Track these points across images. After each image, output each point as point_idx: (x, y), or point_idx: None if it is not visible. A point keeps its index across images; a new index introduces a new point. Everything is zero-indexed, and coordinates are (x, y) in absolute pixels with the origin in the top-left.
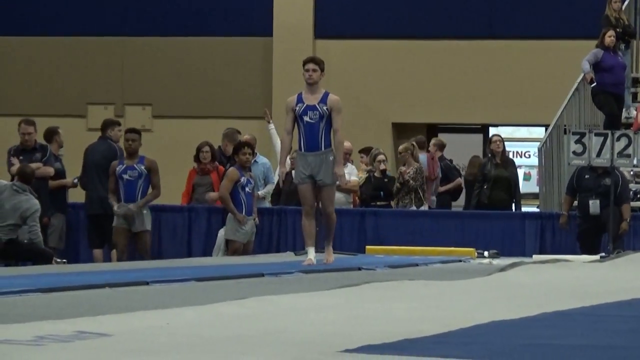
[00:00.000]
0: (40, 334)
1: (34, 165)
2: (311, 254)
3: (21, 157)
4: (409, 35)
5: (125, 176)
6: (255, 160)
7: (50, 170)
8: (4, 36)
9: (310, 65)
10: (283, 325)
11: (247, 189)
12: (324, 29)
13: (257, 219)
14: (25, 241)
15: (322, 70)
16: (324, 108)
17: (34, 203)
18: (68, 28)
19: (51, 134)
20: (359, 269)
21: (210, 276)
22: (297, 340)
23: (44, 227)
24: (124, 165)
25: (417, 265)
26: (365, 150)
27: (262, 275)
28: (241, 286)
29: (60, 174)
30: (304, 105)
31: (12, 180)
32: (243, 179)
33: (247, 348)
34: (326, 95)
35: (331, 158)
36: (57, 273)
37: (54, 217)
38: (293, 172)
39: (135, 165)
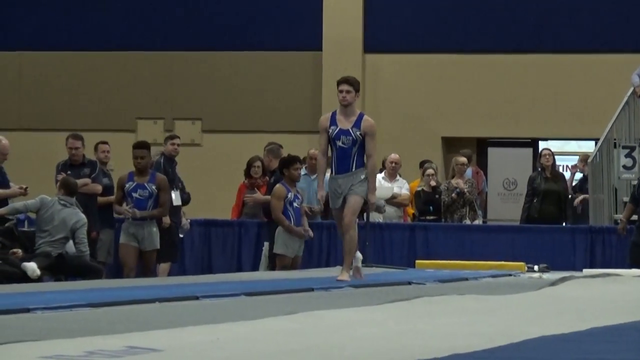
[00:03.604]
0: (90, 349)
1: (82, 181)
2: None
3: (69, 172)
4: (458, 50)
5: (135, 195)
6: (315, 177)
7: (99, 189)
8: (52, 51)
9: (345, 87)
10: (333, 341)
11: (294, 204)
12: (373, 43)
13: (311, 232)
14: (74, 254)
15: (357, 90)
16: (358, 133)
17: (82, 216)
18: (118, 43)
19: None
20: (409, 283)
21: (260, 291)
22: (346, 356)
23: (92, 242)
24: (134, 183)
25: (466, 279)
26: (424, 163)
27: (312, 289)
28: (291, 301)
29: (108, 189)
30: (337, 129)
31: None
32: (290, 195)
33: None
34: (360, 118)
35: (362, 176)
36: (107, 288)
37: (102, 232)
38: None
39: (146, 185)
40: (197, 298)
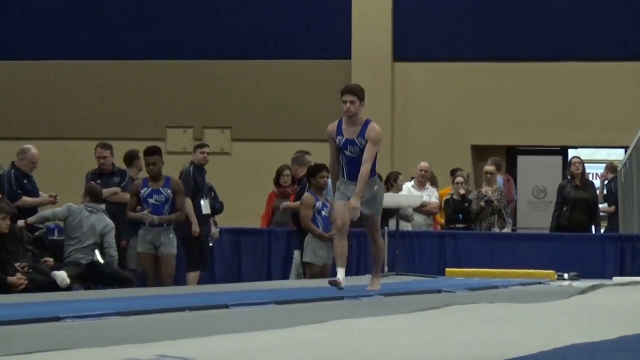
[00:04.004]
0: (121, 358)
1: (111, 190)
2: (341, 275)
3: (99, 182)
4: (488, 58)
5: (151, 200)
6: None
7: (128, 197)
8: (82, 60)
9: (349, 97)
10: (363, 350)
11: (323, 213)
12: (402, 51)
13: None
14: (104, 261)
15: (362, 99)
16: (363, 143)
17: (109, 222)
18: (148, 52)
19: (132, 158)
20: (439, 291)
21: (290, 299)
22: None
23: (122, 250)
24: (149, 189)
25: (497, 287)
26: (455, 171)
27: (342, 298)
28: (321, 309)
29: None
30: (344, 139)
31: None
32: (319, 204)
33: None
34: (366, 126)
35: (375, 188)
36: (137, 296)
37: (132, 240)
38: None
39: (161, 190)
40: (227, 307)
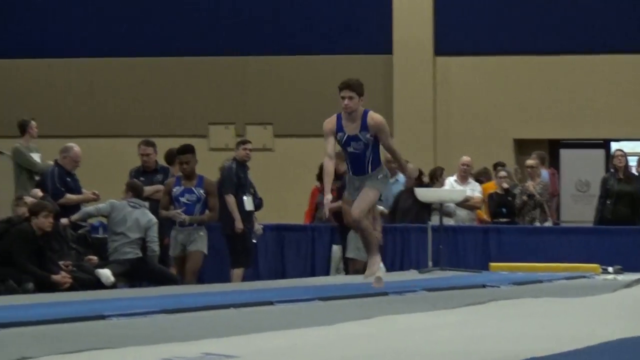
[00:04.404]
0: (166, 356)
1: (153, 187)
2: (376, 269)
3: (142, 179)
4: (529, 51)
5: (183, 199)
6: (396, 179)
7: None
8: (124, 57)
9: (346, 93)
10: (408, 345)
11: None
12: (443, 45)
13: (380, 238)
14: (145, 255)
15: (361, 94)
16: (367, 136)
17: (152, 217)
18: (189, 49)
19: (173, 156)
20: (483, 286)
21: (335, 295)
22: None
23: (165, 247)
24: (182, 188)
25: (541, 281)
26: (497, 165)
27: (386, 294)
28: (365, 305)
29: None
30: (345, 136)
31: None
32: None
33: None
34: (365, 117)
35: (380, 175)
36: (182, 294)
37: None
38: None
39: (193, 189)
40: (272, 303)
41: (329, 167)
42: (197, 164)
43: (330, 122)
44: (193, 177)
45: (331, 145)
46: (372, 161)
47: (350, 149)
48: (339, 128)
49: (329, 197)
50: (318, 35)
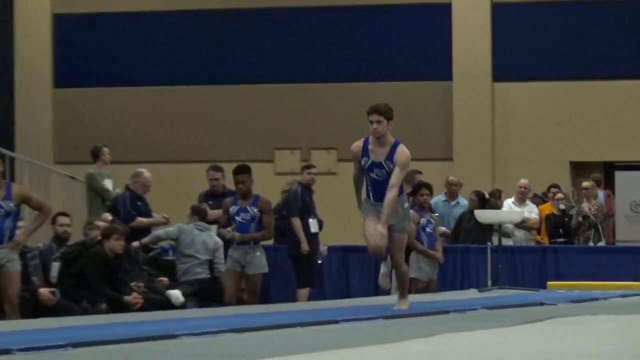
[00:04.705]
0: None
1: (217, 212)
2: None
3: (211, 202)
4: (583, 77)
5: (238, 218)
6: (457, 202)
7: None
8: (193, 85)
9: (374, 117)
10: None
11: (427, 229)
12: (501, 72)
13: (441, 258)
14: (212, 276)
15: (389, 118)
16: (391, 166)
17: (218, 239)
18: (256, 76)
19: None
20: (541, 304)
21: (398, 314)
22: None
23: None
24: (237, 207)
25: (597, 299)
26: (552, 187)
27: (448, 312)
28: (428, 323)
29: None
30: (370, 161)
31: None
32: (423, 220)
33: None
34: (394, 148)
35: (406, 205)
36: (249, 313)
37: None
38: None
39: (248, 208)
40: (337, 322)
41: (359, 183)
42: (253, 184)
43: (357, 147)
44: (249, 197)
45: (357, 170)
46: None
47: (372, 175)
48: (365, 152)
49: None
50: (381, 64)
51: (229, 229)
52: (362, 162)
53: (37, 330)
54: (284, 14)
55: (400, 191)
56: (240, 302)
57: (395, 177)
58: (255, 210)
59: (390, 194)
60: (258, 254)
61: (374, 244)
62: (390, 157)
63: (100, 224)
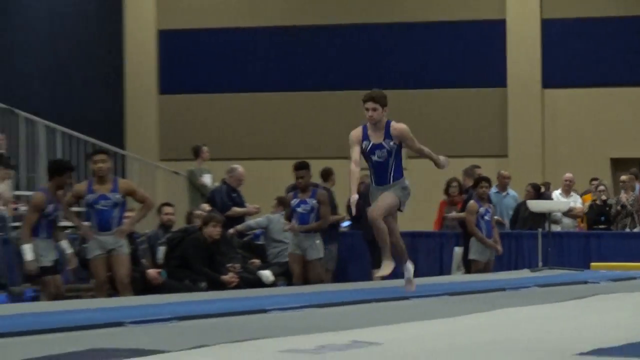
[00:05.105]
0: (320, 343)
1: None
2: (388, 268)
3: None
4: (622, 83)
5: (299, 210)
6: (507, 193)
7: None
8: (281, 92)
9: (370, 105)
10: (525, 333)
11: (486, 217)
12: (550, 79)
13: (499, 246)
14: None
15: (384, 105)
16: (391, 144)
17: None
18: (336, 83)
19: (328, 174)
20: (585, 282)
21: (461, 291)
22: (538, 346)
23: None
24: (298, 200)
25: (635, 278)
26: (593, 180)
27: (504, 289)
28: (487, 299)
29: (333, 209)
30: (370, 144)
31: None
32: (482, 209)
33: (497, 352)
34: (388, 127)
35: (402, 186)
36: (331, 290)
37: (331, 245)
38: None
39: (307, 200)
40: (407, 298)
41: (355, 171)
42: (311, 178)
43: (356, 132)
44: (308, 190)
45: (356, 152)
46: (395, 170)
47: (374, 157)
48: (365, 137)
49: (355, 196)
50: (445, 72)
51: (291, 221)
52: (364, 146)
53: (146, 306)
54: (359, 29)
55: (400, 175)
56: (306, 282)
57: (412, 145)
58: (314, 202)
59: (423, 150)
60: (317, 242)
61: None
62: (387, 135)
63: (200, 213)
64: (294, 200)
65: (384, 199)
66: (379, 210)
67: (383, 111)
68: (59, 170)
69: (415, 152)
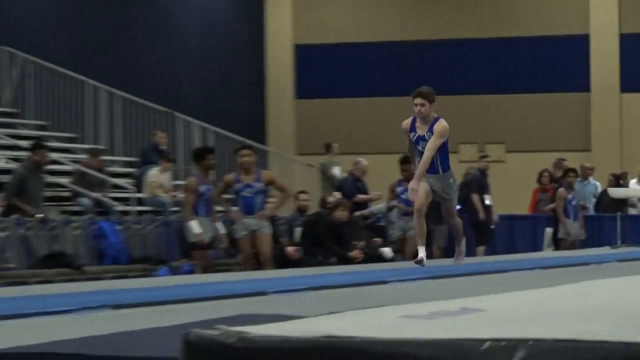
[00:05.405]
0: (433, 310)
1: None
2: (421, 252)
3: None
4: None
5: (403, 196)
6: (589, 182)
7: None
8: (397, 97)
9: (418, 100)
10: (607, 301)
11: (573, 203)
12: (627, 85)
13: (583, 228)
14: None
15: (431, 101)
16: (431, 137)
17: None
18: (445, 89)
19: None
20: None
21: (551, 265)
22: (618, 312)
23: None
24: (403, 187)
25: None
26: None
27: (588, 264)
28: (574, 272)
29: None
30: (416, 135)
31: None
32: (570, 196)
33: (585, 317)
34: (434, 122)
35: (451, 180)
36: (442, 265)
37: (440, 225)
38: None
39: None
40: (506, 271)
41: (413, 156)
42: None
43: (406, 123)
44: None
45: (408, 141)
46: (441, 162)
47: (419, 147)
48: (412, 129)
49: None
50: (536, 79)
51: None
52: (411, 136)
53: (285, 278)
54: (463, 43)
55: (447, 167)
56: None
57: (431, 142)
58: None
59: (425, 155)
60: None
61: (418, 205)
62: (430, 130)
63: (331, 199)
64: (399, 187)
65: (451, 210)
66: (453, 219)
67: (430, 106)
68: (201, 154)
69: (426, 146)
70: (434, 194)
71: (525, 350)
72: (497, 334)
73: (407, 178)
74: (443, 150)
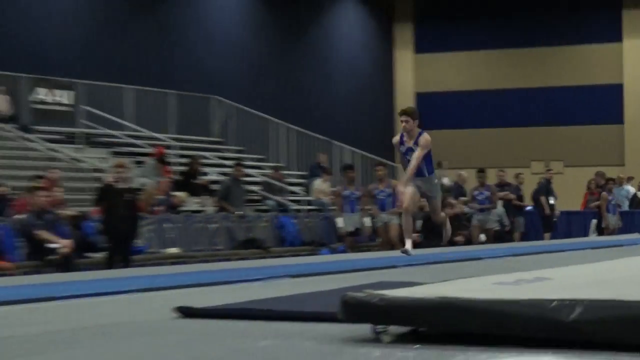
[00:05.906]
0: (516, 278)
1: (504, 193)
2: (408, 245)
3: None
4: None
5: (479, 198)
6: (622, 188)
7: (511, 196)
8: (490, 128)
9: (404, 117)
10: (635, 273)
11: (612, 202)
12: None
13: (620, 220)
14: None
15: (414, 118)
16: (417, 148)
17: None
18: (516, 121)
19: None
20: None
21: (596, 246)
22: None
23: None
24: (478, 191)
25: None
26: None
27: (622, 245)
28: (613, 252)
29: (520, 198)
30: (405, 147)
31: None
32: (610, 197)
33: (627, 284)
34: (419, 136)
35: (435, 181)
36: (520, 246)
37: (518, 217)
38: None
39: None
40: (563, 251)
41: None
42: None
43: (396, 139)
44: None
45: (400, 153)
46: (426, 166)
47: (408, 157)
48: (401, 142)
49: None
50: (581, 114)
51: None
52: (401, 149)
53: (409, 256)
54: (532, 91)
55: (432, 171)
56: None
57: (417, 152)
58: (488, 193)
59: (411, 164)
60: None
61: (405, 205)
62: (416, 142)
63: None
64: (475, 192)
65: (436, 208)
66: (439, 215)
67: (414, 122)
68: (345, 169)
69: (412, 156)
70: (421, 194)
71: (582, 308)
72: (561, 296)
73: (482, 184)
74: (428, 158)
